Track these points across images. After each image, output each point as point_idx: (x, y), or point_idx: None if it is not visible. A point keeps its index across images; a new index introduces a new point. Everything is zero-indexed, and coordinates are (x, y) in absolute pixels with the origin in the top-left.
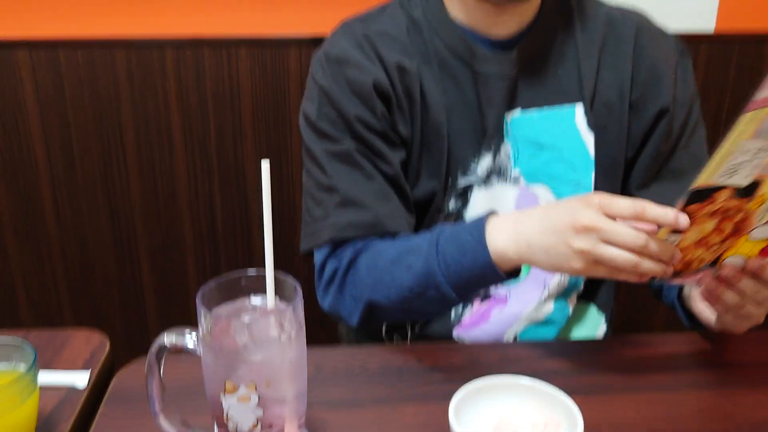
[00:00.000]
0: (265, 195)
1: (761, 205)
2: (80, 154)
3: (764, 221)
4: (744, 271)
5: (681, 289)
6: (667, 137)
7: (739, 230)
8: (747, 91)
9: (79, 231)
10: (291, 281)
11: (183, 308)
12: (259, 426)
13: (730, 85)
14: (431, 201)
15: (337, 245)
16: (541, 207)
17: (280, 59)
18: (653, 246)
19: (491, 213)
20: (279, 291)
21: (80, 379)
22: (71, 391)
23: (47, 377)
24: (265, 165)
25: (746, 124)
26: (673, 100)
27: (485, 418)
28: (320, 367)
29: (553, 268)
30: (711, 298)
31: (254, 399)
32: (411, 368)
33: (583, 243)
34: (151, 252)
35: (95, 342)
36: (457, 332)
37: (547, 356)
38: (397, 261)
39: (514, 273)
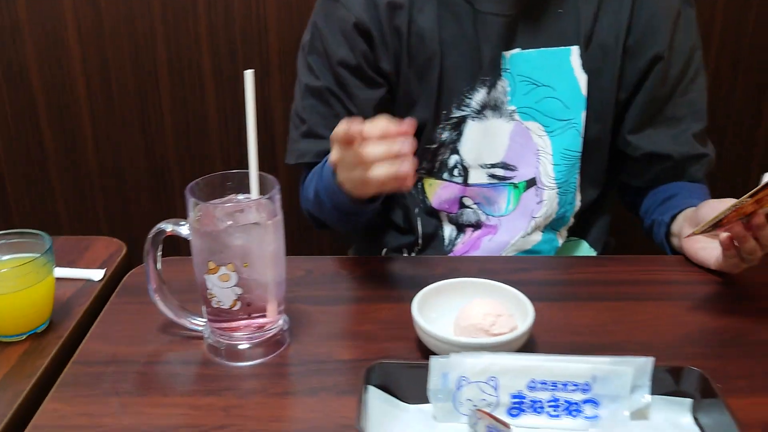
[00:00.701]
0: (249, 103)
1: None
2: (118, 90)
3: None
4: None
5: (668, 229)
6: (662, 84)
7: None
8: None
9: (117, 164)
10: (271, 178)
11: None
12: (239, 304)
13: (749, 33)
14: (423, 130)
15: (309, 165)
16: None
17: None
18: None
19: None
20: (261, 188)
21: (96, 274)
22: (88, 283)
23: (68, 272)
24: (249, 75)
25: None
26: (670, 47)
27: (446, 311)
28: (311, 271)
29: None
30: (730, 244)
31: (233, 278)
32: (394, 275)
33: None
34: (184, 186)
35: (114, 247)
36: (459, 254)
37: (522, 270)
38: (312, 177)
39: (368, 200)
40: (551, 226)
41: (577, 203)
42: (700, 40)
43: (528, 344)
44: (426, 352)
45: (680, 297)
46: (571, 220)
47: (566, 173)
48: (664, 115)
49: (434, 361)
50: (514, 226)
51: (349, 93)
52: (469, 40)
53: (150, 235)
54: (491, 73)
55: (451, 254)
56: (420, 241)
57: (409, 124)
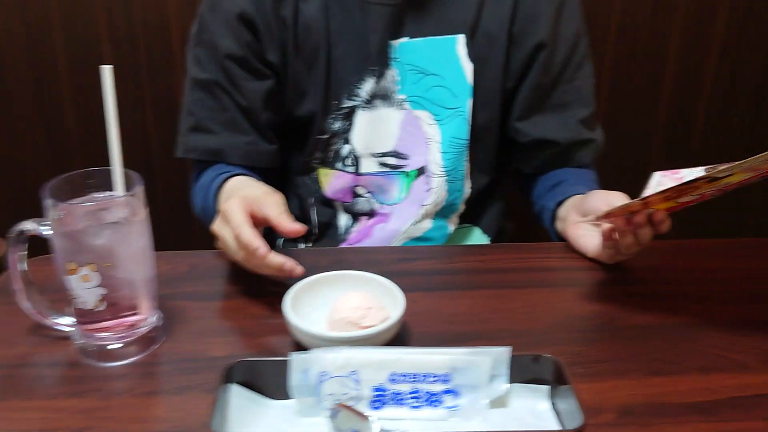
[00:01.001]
0: (108, 99)
1: (712, 184)
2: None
3: (697, 194)
4: (649, 220)
5: (554, 216)
6: (546, 71)
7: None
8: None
9: (17, 159)
10: (134, 175)
11: None
12: (103, 304)
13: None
14: (314, 120)
15: (201, 162)
16: (236, 186)
17: None
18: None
19: (238, 175)
20: (124, 185)
21: None
22: None
23: None
24: (107, 71)
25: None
26: (553, 35)
27: (321, 306)
28: (196, 266)
29: None
30: (610, 236)
31: (96, 279)
32: None
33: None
34: None
35: None
36: (344, 246)
37: (406, 260)
38: (201, 189)
39: None
40: (441, 213)
41: (467, 190)
42: (586, 27)
43: (399, 335)
44: (300, 348)
45: (558, 284)
46: (462, 207)
47: (454, 161)
48: (551, 101)
49: (294, 357)
50: (406, 213)
51: (237, 85)
52: (356, 30)
53: (11, 236)
54: (380, 63)
55: (345, 243)
56: (316, 230)
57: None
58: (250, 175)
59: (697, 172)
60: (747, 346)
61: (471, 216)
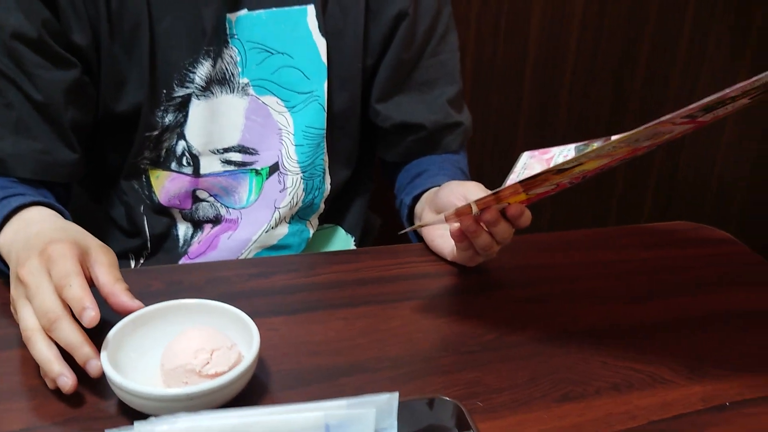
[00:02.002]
0: None
1: (563, 174)
2: None
3: (552, 184)
4: (503, 215)
5: (411, 213)
6: (409, 44)
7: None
8: None
9: None
10: None
11: None
12: None
13: None
14: (140, 114)
15: None
16: (42, 227)
17: None
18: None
19: (36, 203)
20: None
21: None
22: None
23: None
24: None
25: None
26: (414, 4)
27: (152, 348)
28: None
29: None
30: (461, 236)
31: None
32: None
33: (13, 289)
34: None
35: None
36: (184, 263)
37: (260, 275)
38: None
39: None
40: (299, 215)
41: (327, 187)
42: None
43: (255, 378)
44: (129, 411)
45: (435, 294)
46: (322, 207)
47: (311, 154)
48: (414, 79)
49: None
50: (256, 219)
51: (29, 75)
52: (185, 2)
53: None
54: (216, 41)
55: (185, 258)
56: (149, 244)
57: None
58: (54, 206)
59: (568, 149)
60: (656, 353)
61: (332, 215)
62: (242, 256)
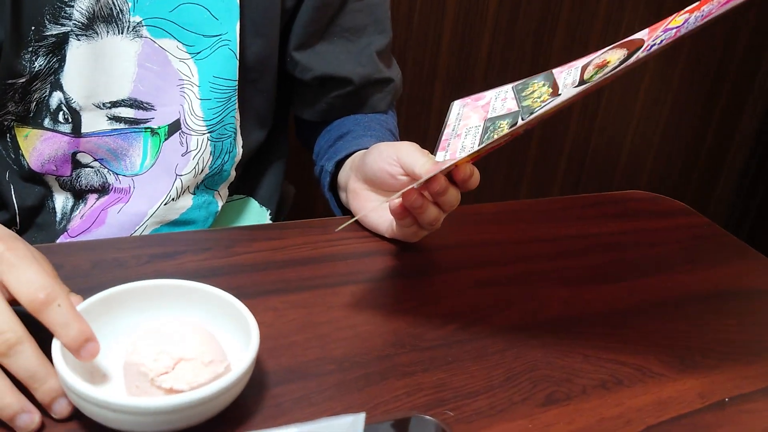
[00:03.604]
0: None
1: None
2: None
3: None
4: (452, 181)
5: (333, 181)
6: None
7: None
8: None
9: None
10: None
11: None
12: None
13: None
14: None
15: None
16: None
17: None
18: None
19: None
20: None
21: None
22: None
23: None
24: None
25: None
26: None
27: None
28: None
29: None
30: (404, 212)
31: None
32: None
33: None
34: None
35: None
36: (63, 241)
37: (167, 255)
38: None
39: None
40: (205, 184)
41: (238, 151)
42: None
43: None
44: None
45: (377, 277)
46: (233, 174)
47: (220, 111)
48: (339, 25)
49: None
50: (154, 189)
51: None
52: None
53: None
54: None
55: (64, 235)
56: (18, 219)
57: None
58: None
59: (505, 91)
60: (639, 342)
61: (244, 185)
62: (136, 233)
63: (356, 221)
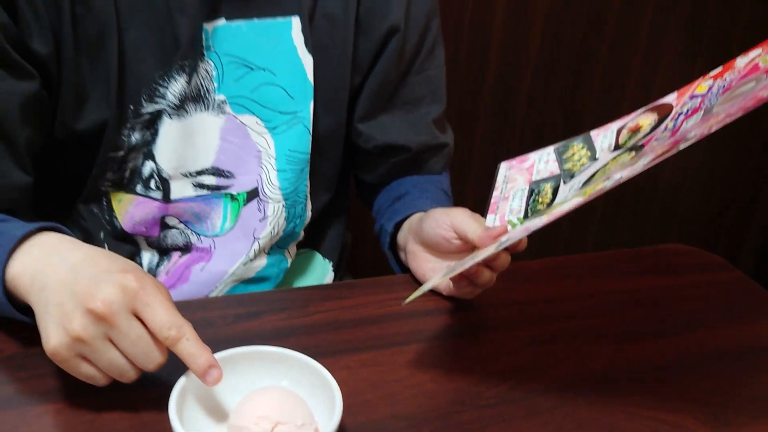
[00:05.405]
0: None
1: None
2: None
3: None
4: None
5: (393, 239)
6: (398, 62)
7: None
8: None
9: None
10: None
11: None
12: None
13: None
14: (104, 133)
15: None
16: (87, 252)
17: None
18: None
19: (45, 228)
20: None
21: None
22: None
23: None
24: None
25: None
26: (406, 17)
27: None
28: None
29: (39, 325)
30: (461, 278)
31: None
32: None
33: (82, 327)
34: None
35: None
36: None
37: (251, 315)
38: None
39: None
40: (278, 244)
41: (308, 214)
42: (438, 6)
43: None
44: None
45: (438, 335)
46: (302, 234)
47: (294, 181)
48: (400, 97)
49: None
50: (234, 249)
51: None
52: (156, 9)
53: None
54: (191, 54)
55: None
56: None
57: None
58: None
59: (547, 153)
60: (677, 399)
61: (309, 240)
62: (216, 290)
63: (414, 279)
